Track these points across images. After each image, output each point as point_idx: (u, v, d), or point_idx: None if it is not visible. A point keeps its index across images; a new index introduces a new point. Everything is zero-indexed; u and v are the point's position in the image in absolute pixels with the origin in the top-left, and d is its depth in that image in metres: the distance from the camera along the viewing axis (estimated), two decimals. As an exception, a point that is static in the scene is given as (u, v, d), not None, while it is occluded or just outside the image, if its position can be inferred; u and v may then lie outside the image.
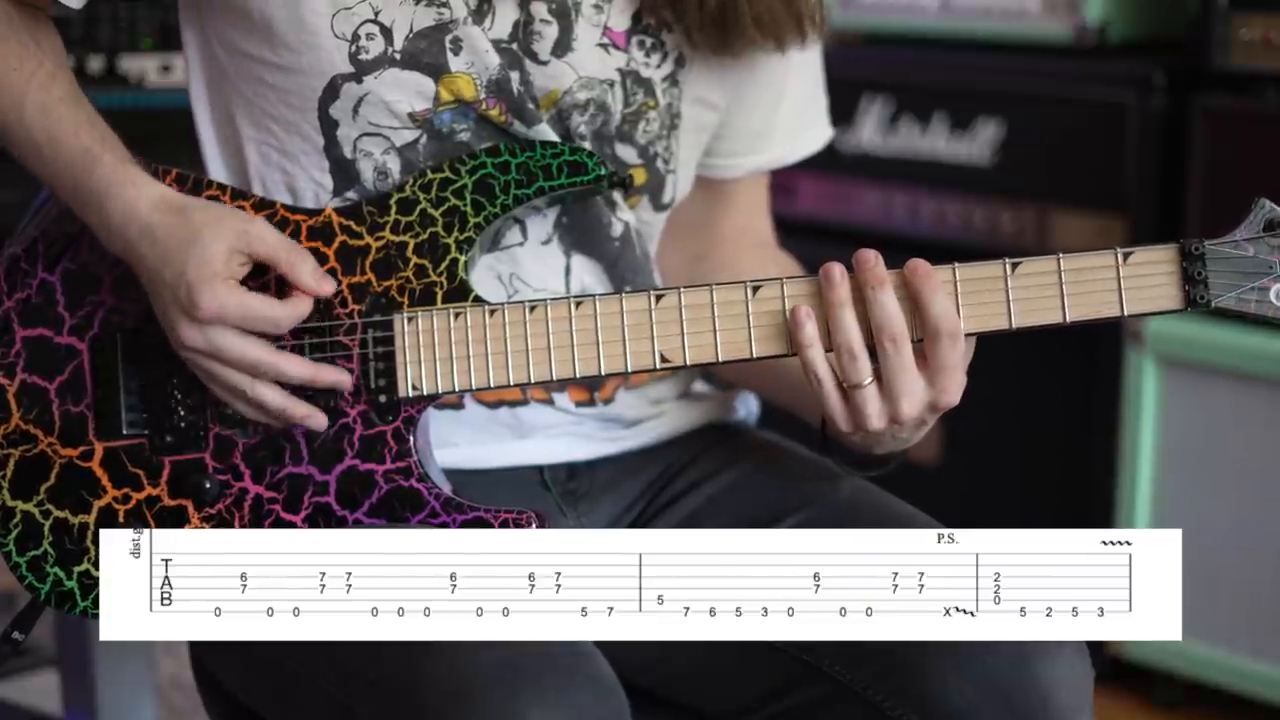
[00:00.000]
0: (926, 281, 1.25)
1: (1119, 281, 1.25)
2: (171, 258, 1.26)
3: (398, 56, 1.33)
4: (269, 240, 1.27)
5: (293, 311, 1.27)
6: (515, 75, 1.36)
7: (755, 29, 1.39)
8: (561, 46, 1.37)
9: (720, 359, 1.28)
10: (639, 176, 1.44)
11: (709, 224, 1.58)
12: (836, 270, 1.26)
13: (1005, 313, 1.26)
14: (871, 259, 1.25)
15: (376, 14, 1.33)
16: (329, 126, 1.35)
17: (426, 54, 1.34)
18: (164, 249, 1.26)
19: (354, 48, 1.33)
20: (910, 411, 1.25)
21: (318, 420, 1.29)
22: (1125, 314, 1.25)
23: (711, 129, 1.50)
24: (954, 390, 1.26)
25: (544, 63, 1.37)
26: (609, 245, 1.44)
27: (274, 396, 1.28)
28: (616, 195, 1.44)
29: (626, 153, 1.42)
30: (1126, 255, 1.25)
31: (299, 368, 1.28)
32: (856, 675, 1.31)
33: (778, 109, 1.53)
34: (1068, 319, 1.26)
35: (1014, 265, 1.26)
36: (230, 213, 1.29)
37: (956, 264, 1.26)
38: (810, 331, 1.26)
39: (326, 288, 1.29)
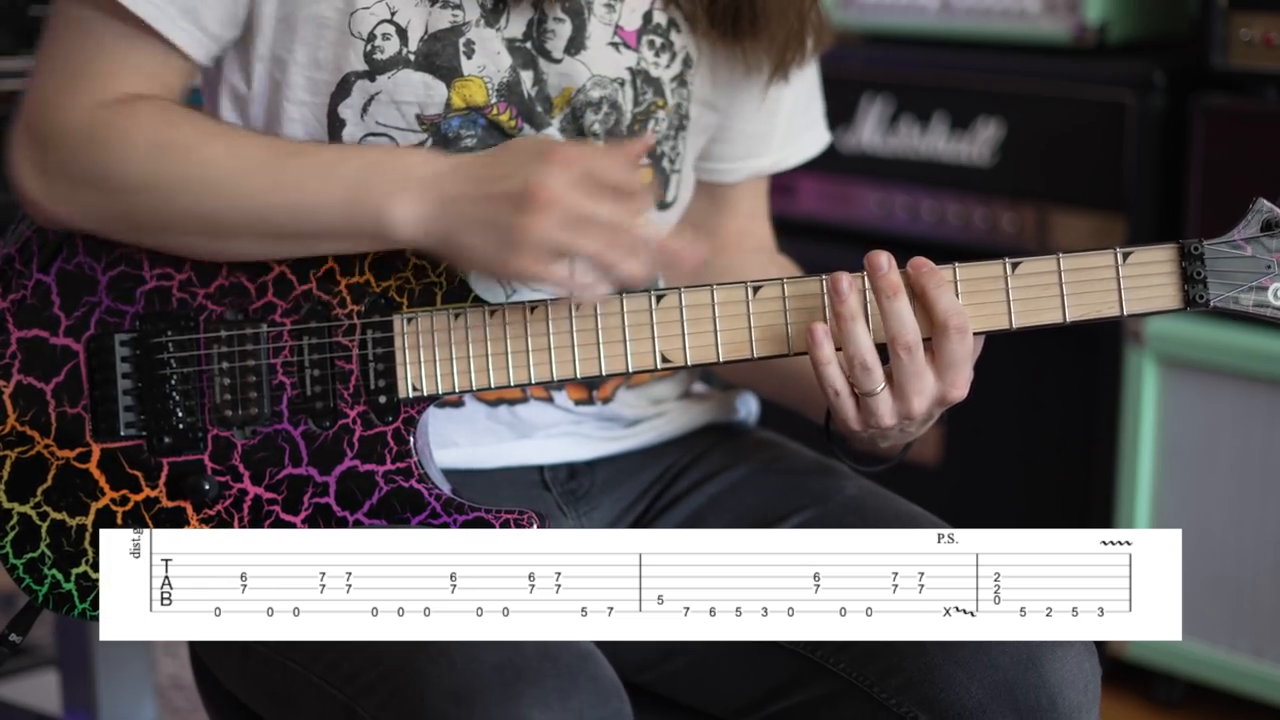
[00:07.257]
0: (931, 278, 1.25)
1: (1118, 281, 1.26)
2: (501, 160, 1.23)
3: (412, 57, 1.33)
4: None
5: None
6: (528, 75, 1.36)
7: (761, 30, 1.40)
8: (575, 45, 1.37)
9: (721, 359, 1.28)
10: (645, 176, 1.44)
11: (708, 229, 1.58)
12: (844, 281, 1.25)
13: (1006, 313, 1.26)
14: (884, 264, 1.24)
15: (393, 14, 1.32)
16: (335, 125, 1.35)
17: (440, 56, 1.33)
18: (485, 164, 1.24)
19: (369, 47, 1.32)
20: (921, 408, 1.26)
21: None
22: (1125, 314, 1.26)
23: (710, 131, 1.50)
24: (963, 384, 1.26)
25: (557, 61, 1.37)
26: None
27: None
28: None
29: (637, 152, 1.42)
30: (1126, 255, 1.26)
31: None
32: (863, 672, 1.31)
33: (776, 113, 1.53)
34: (1068, 319, 1.26)
35: (1014, 265, 1.26)
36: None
37: (957, 264, 1.26)
38: (829, 351, 1.25)
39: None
